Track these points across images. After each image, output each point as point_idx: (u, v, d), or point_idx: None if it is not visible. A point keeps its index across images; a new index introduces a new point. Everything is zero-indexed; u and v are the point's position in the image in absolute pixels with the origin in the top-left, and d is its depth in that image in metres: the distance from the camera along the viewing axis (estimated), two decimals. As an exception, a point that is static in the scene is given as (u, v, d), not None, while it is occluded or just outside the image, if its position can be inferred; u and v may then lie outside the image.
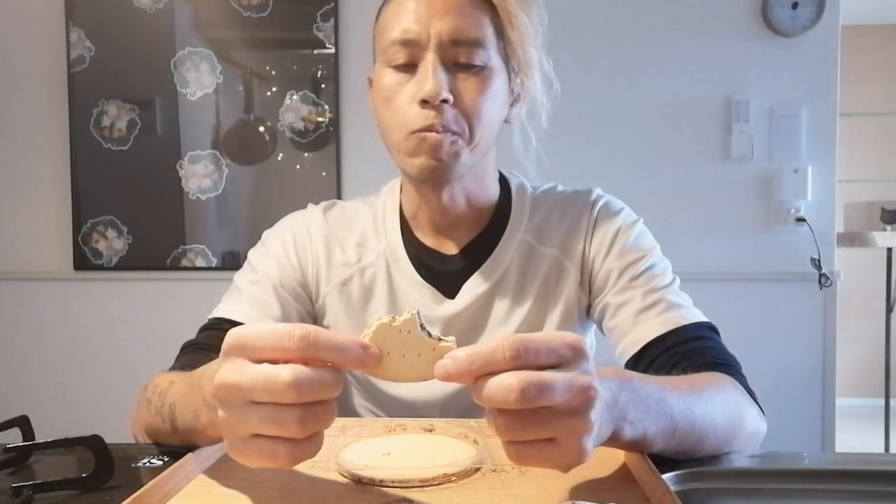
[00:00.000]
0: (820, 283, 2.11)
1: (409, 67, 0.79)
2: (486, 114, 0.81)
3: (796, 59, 2.15)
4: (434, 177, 0.81)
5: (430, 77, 0.76)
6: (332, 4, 2.20)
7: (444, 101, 0.77)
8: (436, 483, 0.56)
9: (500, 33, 0.81)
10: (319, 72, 2.23)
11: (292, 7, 2.21)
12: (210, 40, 2.23)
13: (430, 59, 0.77)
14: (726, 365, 0.77)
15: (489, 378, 0.44)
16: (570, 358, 0.47)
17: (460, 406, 0.86)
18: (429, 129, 0.77)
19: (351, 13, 2.21)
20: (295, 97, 2.23)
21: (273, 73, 2.24)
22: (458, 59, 0.79)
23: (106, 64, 2.23)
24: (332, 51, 2.21)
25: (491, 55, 0.80)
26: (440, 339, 0.48)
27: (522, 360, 0.45)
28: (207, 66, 2.22)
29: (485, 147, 0.84)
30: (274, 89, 2.24)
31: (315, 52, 2.23)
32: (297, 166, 2.24)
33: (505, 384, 0.44)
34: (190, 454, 0.60)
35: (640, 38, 2.18)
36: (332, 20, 2.20)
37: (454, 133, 0.79)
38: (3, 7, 2.25)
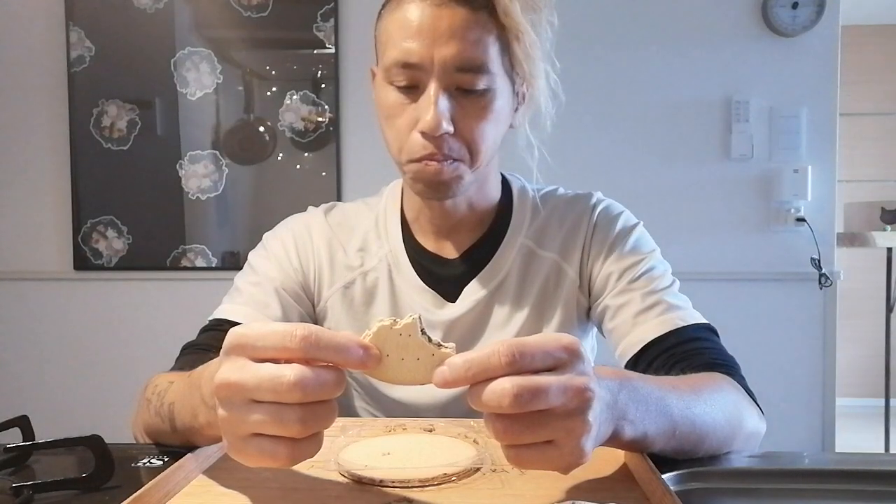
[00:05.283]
0: (820, 283, 2.11)
1: (411, 89, 0.78)
2: (489, 137, 0.80)
3: (796, 59, 2.15)
4: (437, 197, 0.82)
5: (432, 109, 0.75)
6: (332, 4, 2.20)
7: (445, 131, 0.76)
8: (436, 483, 0.56)
9: (506, 48, 0.79)
10: (319, 72, 2.23)
11: (292, 7, 2.21)
12: (210, 40, 2.23)
13: (431, 89, 0.75)
14: (725, 365, 0.77)
15: (485, 384, 0.45)
16: (566, 360, 0.47)
17: (461, 409, 0.85)
18: (429, 157, 0.77)
19: (351, 13, 2.21)
20: (295, 97, 2.23)
21: (273, 73, 2.24)
22: (462, 84, 0.77)
23: (106, 64, 2.23)
24: (332, 51, 2.21)
25: (495, 77, 0.78)
26: (440, 345, 0.48)
27: (518, 364, 0.45)
28: (207, 66, 2.22)
29: (487, 162, 0.84)
30: (274, 89, 2.24)
31: (315, 52, 2.23)
32: (297, 166, 2.24)
33: (499, 389, 0.44)
34: (189, 454, 0.60)
35: (640, 38, 2.18)
36: (332, 20, 2.20)
37: (455, 160, 0.78)
38: (3, 7, 2.25)
